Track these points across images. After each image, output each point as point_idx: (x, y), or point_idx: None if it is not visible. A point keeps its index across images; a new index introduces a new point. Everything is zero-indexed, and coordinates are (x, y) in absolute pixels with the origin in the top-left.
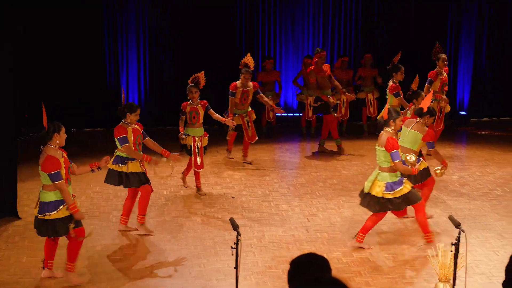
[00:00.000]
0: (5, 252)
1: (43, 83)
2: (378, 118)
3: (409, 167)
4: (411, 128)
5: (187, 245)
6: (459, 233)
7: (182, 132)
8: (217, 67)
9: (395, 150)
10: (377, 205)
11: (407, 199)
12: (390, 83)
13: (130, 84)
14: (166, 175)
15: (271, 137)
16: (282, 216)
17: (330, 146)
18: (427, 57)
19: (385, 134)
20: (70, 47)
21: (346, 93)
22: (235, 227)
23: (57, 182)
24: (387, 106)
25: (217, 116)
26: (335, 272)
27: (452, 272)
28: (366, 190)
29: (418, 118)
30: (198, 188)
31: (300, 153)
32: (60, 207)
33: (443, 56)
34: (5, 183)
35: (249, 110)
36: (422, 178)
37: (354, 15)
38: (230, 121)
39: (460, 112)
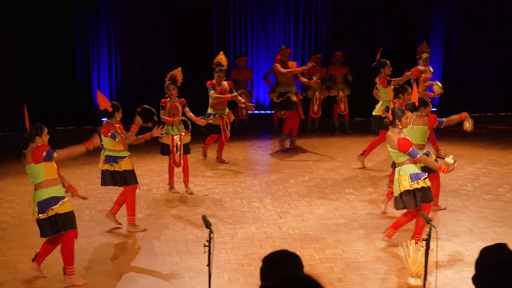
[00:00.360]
0: None
1: (16, 82)
2: (375, 115)
3: (436, 162)
4: (413, 125)
5: (160, 243)
6: (430, 229)
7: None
8: (190, 65)
9: (411, 148)
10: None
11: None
12: (381, 79)
13: (102, 83)
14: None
15: (243, 135)
16: (255, 214)
17: (301, 143)
18: (396, 55)
19: (393, 135)
20: (42, 47)
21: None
22: (208, 224)
23: (54, 155)
24: (381, 104)
25: (190, 114)
26: (307, 269)
27: (423, 268)
28: (396, 194)
29: (414, 113)
30: (186, 186)
31: (272, 151)
32: (60, 202)
33: (425, 55)
34: None
35: (228, 111)
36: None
37: (325, 13)
38: (201, 121)
39: (431, 109)
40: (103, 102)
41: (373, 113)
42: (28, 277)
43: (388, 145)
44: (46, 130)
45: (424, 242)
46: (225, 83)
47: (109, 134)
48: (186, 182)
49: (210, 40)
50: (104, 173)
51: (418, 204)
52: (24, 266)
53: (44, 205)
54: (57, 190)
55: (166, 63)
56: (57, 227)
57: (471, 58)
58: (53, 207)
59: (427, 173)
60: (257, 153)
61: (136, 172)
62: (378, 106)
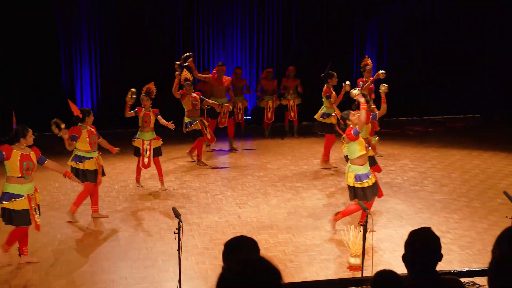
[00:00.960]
0: None
1: (4, 88)
2: (318, 119)
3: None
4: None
5: (136, 231)
6: (366, 216)
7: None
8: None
9: (354, 129)
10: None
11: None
12: (324, 87)
13: (84, 91)
14: None
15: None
16: (217, 205)
17: (257, 144)
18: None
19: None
20: (29, 56)
21: (224, 105)
22: (177, 215)
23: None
24: (323, 108)
25: (163, 121)
26: (263, 252)
27: (362, 249)
28: (348, 183)
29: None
30: (138, 181)
31: (230, 151)
32: (13, 199)
33: (368, 67)
34: None
35: (202, 117)
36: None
37: (275, 32)
38: (171, 125)
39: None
40: (74, 109)
41: (315, 117)
42: (24, 264)
43: (343, 146)
44: (30, 132)
45: (361, 227)
46: (194, 94)
47: (71, 136)
48: (161, 180)
49: (177, 54)
50: (71, 169)
51: (368, 198)
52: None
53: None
54: (18, 188)
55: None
56: (9, 219)
57: (400, 68)
58: (3, 202)
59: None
60: (218, 153)
61: (114, 171)
62: (319, 111)
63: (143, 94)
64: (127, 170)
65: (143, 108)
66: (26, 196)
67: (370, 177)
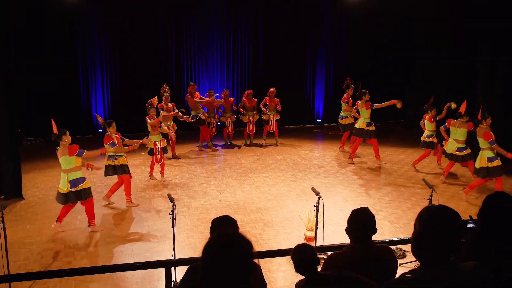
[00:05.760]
0: (14, 222)
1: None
2: (358, 128)
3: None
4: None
5: (140, 214)
6: (318, 199)
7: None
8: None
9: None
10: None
11: None
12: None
13: (98, 105)
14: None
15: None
16: (203, 191)
17: (242, 149)
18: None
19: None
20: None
21: (204, 113)
22: (171, 200)
23: (84, 154)
24: (363, 120)
25: (165, 127)
26: (239, 228)
27: (315, 224)
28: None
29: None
30: (162, 176)
31: (211, 151)
32: (86, 180)
33: (352, 86)
34: (13, 173)
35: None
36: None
37: (253, 58)
38: (146, 140)
39: (317, 120)
40: (100, 121)
41: (356, 126)
42: (51, 238)
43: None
44: (67, 132)
45: (315, 207)
46: (170, 104)
47: (109, 143)
48: (162, 173)
49: (169, 76)
50: (107, 166)
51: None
52: (46, 232)
53: (76, 182)
54: (81, 173)
55: (136, 94)
56: (79, 197)
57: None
58: (81, 184)
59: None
60: (202, 152)
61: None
62: (360, 121)
63: (147, 106)
64: (132, 165)
65: (150, 117)
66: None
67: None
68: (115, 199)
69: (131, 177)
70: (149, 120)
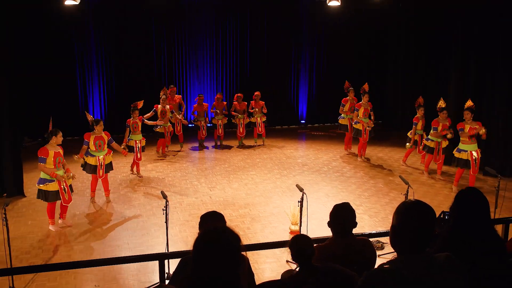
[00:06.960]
0: (16, 219)
1: (34, 102)
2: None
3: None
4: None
5: (134, 209)
6: (303, 195)
7: (126, 140)
8: (146, 95)
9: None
10: None
11: None
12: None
13: (95, 105)
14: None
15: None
16: (194, 189)
17: (233, 149)
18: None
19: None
20: (52, 78)
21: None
22: (165, 196)
23: (39, 162)
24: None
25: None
26: (228, 222)
27: (299, 218)
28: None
29: None
30: (138, 172)
31: (200, 151)
32: (48, 184)
33: (352, 89)
34: (15, 172)
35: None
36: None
37: (241, 63)
38: (124, 152)
39: (301, 121)
40: (89, 118)
41: (354, 126)
42: (51, 233)
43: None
44: (60, 133)
45: (299, 203)
46: (167, 106)
47: (85, 141)
48: (138, 170)
49: (162, 80)
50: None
51: None
52: (47, 227)
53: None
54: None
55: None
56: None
57: (326, 88)
58: (40, 184)
59: None
60: (192, 152)
61: (118, 164)
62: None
63: (132, 107)
64: (128, 164)
65: (131, 118)
66: (56, 180)
67: None
68: (111, 197)
69: (101, 177)
70: (131, 121)
